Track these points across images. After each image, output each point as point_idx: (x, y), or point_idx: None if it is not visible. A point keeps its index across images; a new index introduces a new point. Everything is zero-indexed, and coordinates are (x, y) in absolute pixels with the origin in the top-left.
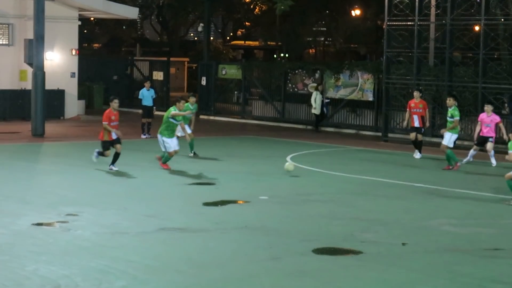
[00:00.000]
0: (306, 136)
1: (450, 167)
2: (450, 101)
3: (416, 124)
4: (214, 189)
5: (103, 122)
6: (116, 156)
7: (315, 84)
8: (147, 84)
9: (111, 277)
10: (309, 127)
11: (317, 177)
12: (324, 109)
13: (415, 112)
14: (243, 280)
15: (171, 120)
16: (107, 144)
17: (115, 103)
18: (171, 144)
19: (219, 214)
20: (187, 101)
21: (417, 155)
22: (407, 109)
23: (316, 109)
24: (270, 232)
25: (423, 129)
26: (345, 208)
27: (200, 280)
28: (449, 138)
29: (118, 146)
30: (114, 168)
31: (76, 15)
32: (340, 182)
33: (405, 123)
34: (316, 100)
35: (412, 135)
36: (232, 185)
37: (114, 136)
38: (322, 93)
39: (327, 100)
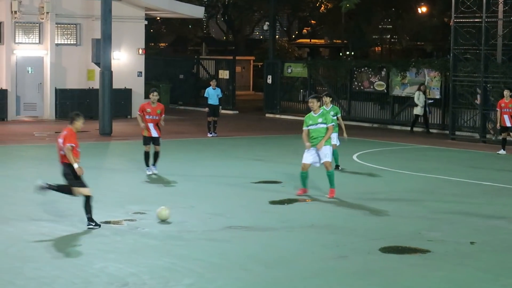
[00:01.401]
0: (372, 135)
1: None
2: None
3: (508, 123)
4: (280, 188)
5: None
6: (155, 155)
7: (382, 82)
8: (213, 82)
9: (178, 275)
10: (375, 125)
11: (383, 175)
12: (427, 110)
13: (506, 112)
14: (309, 279)
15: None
16: (146, 140)
17: (154, 96)
18: (304, 155)
19: (285, 213)
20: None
21: (501, 151)
22: (498, 109)
23: (419, 109)
24: (336, 230)
25: None
26: (412, 207)
27: (266, 278)
28: None
29: (156, 147)
30: (153, 171)
31: (143, 14)
32: (407, 181)
33: (497, 124)
34: (420, 100)
35: (504, 135)
36: (298, 183)
37: (154, 134)
38: (425, 93)
39: (430, 101)
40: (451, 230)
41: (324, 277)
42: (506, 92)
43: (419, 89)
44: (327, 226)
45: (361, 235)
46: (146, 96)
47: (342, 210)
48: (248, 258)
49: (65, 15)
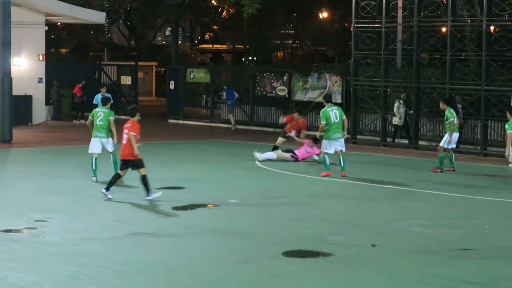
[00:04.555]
0: (275, 139)
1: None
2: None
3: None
4: (183, 193)
5: (134, 133)
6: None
7: (284, 87)
8: (103, 89)
9: (81, 283)
10: (278, 130)
11: (286, 180)
12: (407, 120)
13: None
14: (213, 284)
15: None
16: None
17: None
18: None
19: (188, 218)
20: None
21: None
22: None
23: (397, 120)
24: (240, 235)
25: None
26: (314, 211)
27: (170, 284)
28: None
29: None
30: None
31: (43, 20)
32: (309, 185)
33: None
34: (400, 110)
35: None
36: (201, 189)
37: None
38: (406, 102)
39: (410, 112)
40: (353, 233)
41: (228, 282)
42: (295, 115)
43: (400, 98)
44: (231, 231)
45: (264, 239)
46: (47, 103)
47: (245, 215)
48: (151, 265)
49: None
